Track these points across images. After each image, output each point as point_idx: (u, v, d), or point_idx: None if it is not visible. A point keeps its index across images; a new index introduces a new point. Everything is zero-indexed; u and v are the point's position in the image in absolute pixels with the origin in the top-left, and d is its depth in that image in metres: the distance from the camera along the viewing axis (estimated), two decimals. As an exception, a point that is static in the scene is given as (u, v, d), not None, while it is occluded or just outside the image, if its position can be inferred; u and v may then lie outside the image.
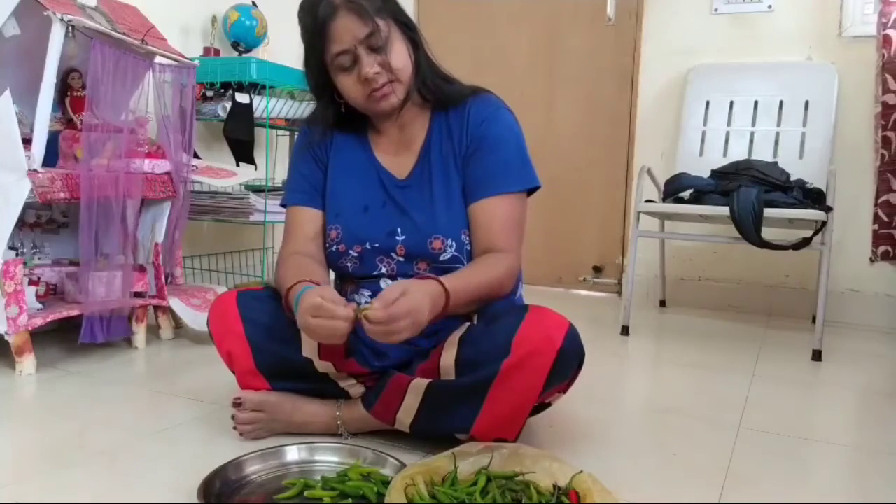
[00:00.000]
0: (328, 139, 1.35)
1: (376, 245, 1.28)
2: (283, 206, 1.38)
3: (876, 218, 2.51)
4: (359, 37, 1.17)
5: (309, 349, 1.24)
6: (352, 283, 1.35)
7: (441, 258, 1.25)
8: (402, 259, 1.27)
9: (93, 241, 1.77)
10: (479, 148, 1.27)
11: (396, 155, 1.33)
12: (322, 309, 1.05)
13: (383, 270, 1.29)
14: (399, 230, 1.27)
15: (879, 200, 2.50)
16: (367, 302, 1.32)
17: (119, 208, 1.82)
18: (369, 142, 1.35)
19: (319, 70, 1.24)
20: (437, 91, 1.28)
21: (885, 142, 2.47)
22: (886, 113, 2.46)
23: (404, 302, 1.03)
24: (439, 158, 1.29)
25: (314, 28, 1.19)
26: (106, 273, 1.81)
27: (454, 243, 1.25)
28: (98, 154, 1.78)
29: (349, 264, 1.30)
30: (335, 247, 1.31)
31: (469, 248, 1.27)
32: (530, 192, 1.30)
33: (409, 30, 1.24)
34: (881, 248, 2.51)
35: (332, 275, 1.40)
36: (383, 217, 1.29)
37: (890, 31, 2.43)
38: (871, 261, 2.56)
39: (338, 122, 1.33)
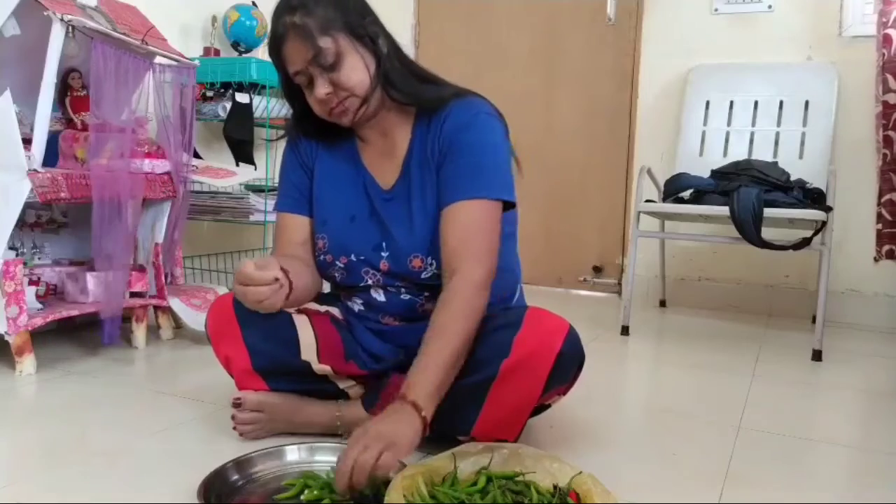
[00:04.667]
0: (314, 145, 1.33)
1: (362, 257, 1.26)
2: (274, 209, 1.38)
3: (879, 217, 2.51)
4: (307, 59, 1.15)
5: (308, 352, 1.24)
6: (344, 291, 1.34)
7: (422, 276, 1.23)
8: (386, 273, 1.26)
9: (102, 241, 1.77)
10: (449, 153, 1.20)
11: (382, 163, 1.29)
12: (243, 274, 1.05)
13: (369, 282, 1.27)
14: (384, 245, 1.25)
15: (883, 200, 2.49)
16: (360, 309, 1.32)
17: (119, 208, 1.82)
18: (357, 149, 1.32)
19: (289, 81, 1.23)
20: (413, 94, 1.22)
21: (887, 141, 2.46)
22: (887, 112, 2.46)
23: (353, 455, 0.94)
24: (418, 170, 1.24)
25: (272, 48, 1.19)
26: (114, 274, 1.81)
27: (434, 262, 1.21)
28: (99, 154, 1.78)
29: (336, 274, 1.29)
30: (322, 256, 1.29)
31: None
32: (506, 208, 1.20)
33: (369, 40, 1.19)
34: (885, 248, 2.51)
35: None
36: (370, 228, 1.26)
37: (890, 31, 2.43)
38: (876, 260, 2.56)
39: (322, 129, 1.30)
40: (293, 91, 1.25)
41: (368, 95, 1.19)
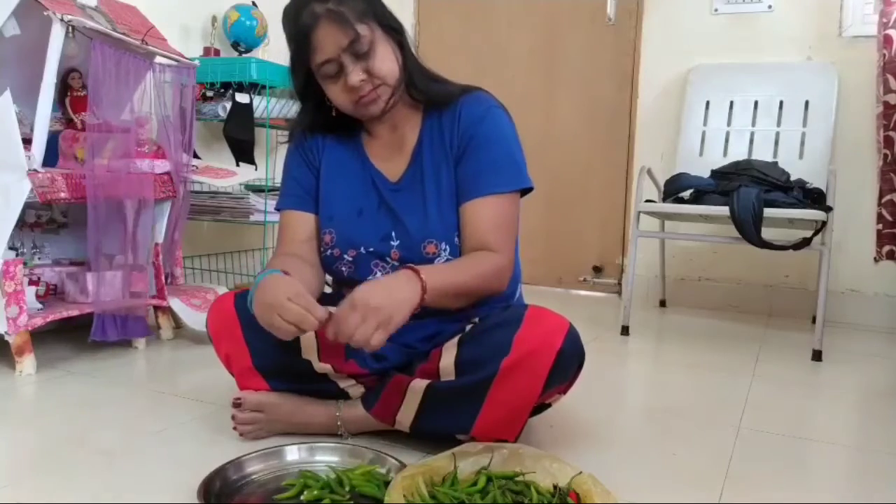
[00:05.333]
0: (319, 143, 1.35)
1: (371, 249, 1.27)
2: (276, 210, 1.38)
3: (880, 218, 2.50)
4: (342, 45, 1.15)
5: (308, 351, 1.24)
6: (348, 287, 1.34)
7: (436, 262, 1.24)
8: (396, 263, 1.26)
9: (99, 240, 1.77)
10: (469, 148, 1.24)
11: (389, 157, 1.32)
12: (290, 315, 1.05)
13: (378, 274, 1.28)
14: (393, 234, 1.27)
15: (883, 200, 2.49)
16: None
17: (120, 209, 1.82)
18: (362, 145, 1.34)
19: (306, 76, 1.23)
20: (427, 91, 1.27)
21: (888, 142, 2.46)
22: (888, 113, 2.45)
23: (356, 298, 1.04)
24: (431, 160, 1.28)
25: (297, 37, 1.18)
26: (115, 272, 1.81)
27: (448, 247, 1.24)
28: (99, 154, 1.78)
29: (344, 268, 1.30)
30: (329, 251, 1.30)
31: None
32: (524, 192, 1.28)
33: (395, 32, 1.22)
34: (886, 248, 2.50)
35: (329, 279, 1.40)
36: (378, 221, 1.28)
37: (891, 31, 2.43)
38: (876, 261, 2.55)
39: (329, 126, 1.32)
40: (308, 85, 1.25)
41: (398, 85, 1.23)
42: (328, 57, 1.17)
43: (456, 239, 1.25)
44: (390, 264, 1.27)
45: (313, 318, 1.05)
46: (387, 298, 1.05)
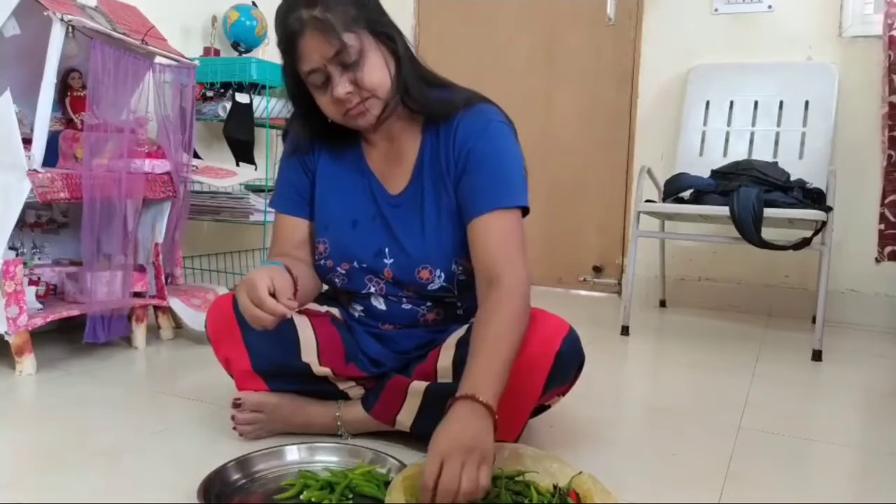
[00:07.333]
0: (316, 148, 1.30)
1: (364, 265, 1.25)
2: (270, 206, 1.35)
3: (882, 218, 2.50)
4: (327, 55, 1.09)
5: (308, 354, 1.24)
6: (344, 296, 1.34)
7: (429, 287, 1.22)
8: (390, 282, 1.24)
9: (94, 241, 1.77)
10: (467, 165, 1.17)
11: (389, 168, 1.27)
12: (255, 293, 1.03)
13: (372, 290, 1.26)
14: (387, 251, 1.23)
15: (887, 200, 2.49)
16: (360, 315, 1.31)
17: (119, 208, 1.82)
18: (362, 152, 1.29)
19: (296, 81, 1.18)
20: (424, 103, 1.19)
21: (893, 142, 2.46)
22: (893, 113, 2.45)
23: (447, 470, 0.90)
24: (431, 179, 1.22)
25: (284, 43, 1.13)
26: (107, 273, 1.81)
27: (443, 274, 1.21)
28: (98, 154, 1.78)
29: (337, 280, 1.28)
30: (323, 261, 1.28)
31: (462, 277, 1.21)
32: (524, 213, 1.19)
33: (388, 40, 1.15)
34: (888, 249, 2.51)
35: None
36: (372, 234, 1.24)
37: (896, 33, 2.43)
38: (877, 261, 2.55)
39: (326, 131, 1.26)
40: (300, 91, 1.20)
41: (390, 97, 1.16)
42: (314, 67, 1.11)
43: (453, 266, 1.21)
44: (384, 280, 1.25)
45: (265, 317, 1.03)
46: (472, 437, 0.93)
